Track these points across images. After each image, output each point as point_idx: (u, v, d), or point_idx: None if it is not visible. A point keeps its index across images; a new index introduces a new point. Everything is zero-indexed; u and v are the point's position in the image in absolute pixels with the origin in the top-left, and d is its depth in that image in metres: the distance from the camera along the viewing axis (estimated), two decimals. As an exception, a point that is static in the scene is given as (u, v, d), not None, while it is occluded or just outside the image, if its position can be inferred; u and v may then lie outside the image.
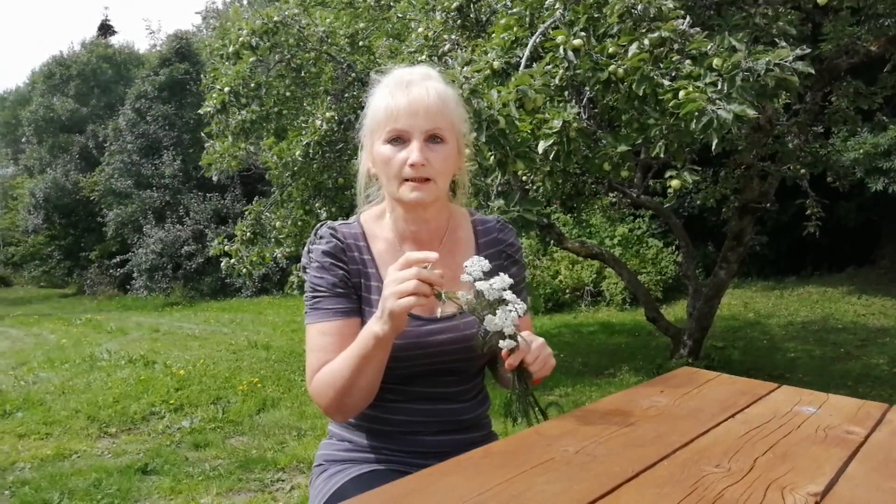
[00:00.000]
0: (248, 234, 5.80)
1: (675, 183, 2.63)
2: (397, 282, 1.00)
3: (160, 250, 14.46)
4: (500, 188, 3.01)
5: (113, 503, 3.00)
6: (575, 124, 2.49)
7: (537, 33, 2.88)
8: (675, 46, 2.48)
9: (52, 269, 19.19)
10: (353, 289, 1.19)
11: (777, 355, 5.86)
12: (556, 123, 2.48)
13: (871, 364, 5.41)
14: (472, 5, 3.73)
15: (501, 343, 1.02)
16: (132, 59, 22.25)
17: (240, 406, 4.56)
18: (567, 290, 9.25)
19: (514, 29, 3.03)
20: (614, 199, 6.38)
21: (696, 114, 2.23)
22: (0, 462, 3.58)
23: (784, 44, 2.61)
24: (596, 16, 2.75)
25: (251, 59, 4.68)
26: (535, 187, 4.11)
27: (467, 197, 1.35)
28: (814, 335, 6.61)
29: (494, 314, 1.00)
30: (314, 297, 1.19)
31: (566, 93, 2.88)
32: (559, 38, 2.63)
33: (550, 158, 2.54)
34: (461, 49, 3.51)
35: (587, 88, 2.80)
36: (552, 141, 2.48)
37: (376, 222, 1.26)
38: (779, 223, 8.93)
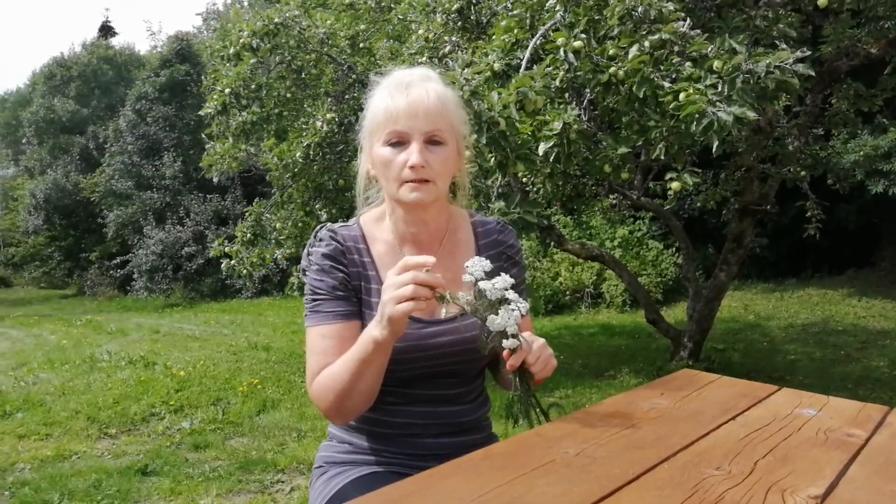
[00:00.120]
0: (249, 235, 5.80)
1: (675, 185, 2.62)
2: (395, 286, 1.00)
3: (160, 251, 14.46)
4: (500, 190, 3.02)
5: (112, 503, 3.00)
6: (575, 126, 2.49)
7: (538, 35, 2.88)
8: (676, 48, 2.48)
9: (53, 269, 19.21)
10: (352, 291, 1.19)
11: (777, 357, 5.86)
12: (557, 125, 2.48)
13: (871, 366, 5.40)
14: (472, 7, 3.73)
15: (504, 343, 1.02)
16: (133, 60, 22.27)
17: (240, 407, 4.56)
18: (567, 292, 9.25)
19: (515, 31, 3.03)
20: (614, 201, 6.38)
21: (697, 116, 2.22)
22: (0, 463, 3.58)
23: (784, 46, 2.61)
24: (596, 18, 2.75)
25: (252, 61, 4.68)
26: (535, 189, 4.12)
27: (468, 199, 1.35)
28: (814, 337, 6.60)
29: (497, 314, 1.00)
30: (314, 300, 1.19)
31: (567, 95, 2.88)
32: (560, 40, 2.63)
33: (551, 160, 2.53)
34: (462, 51, 3.51)
35: (587, 90, 2.80)
36: (552, 143, 2.48)
37: (376, 224, 1.26)
38: (779, 225, 8.93)
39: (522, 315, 1.02)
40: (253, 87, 4.84)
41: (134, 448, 3.79)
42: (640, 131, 2.71)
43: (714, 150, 2.28)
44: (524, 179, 3.92)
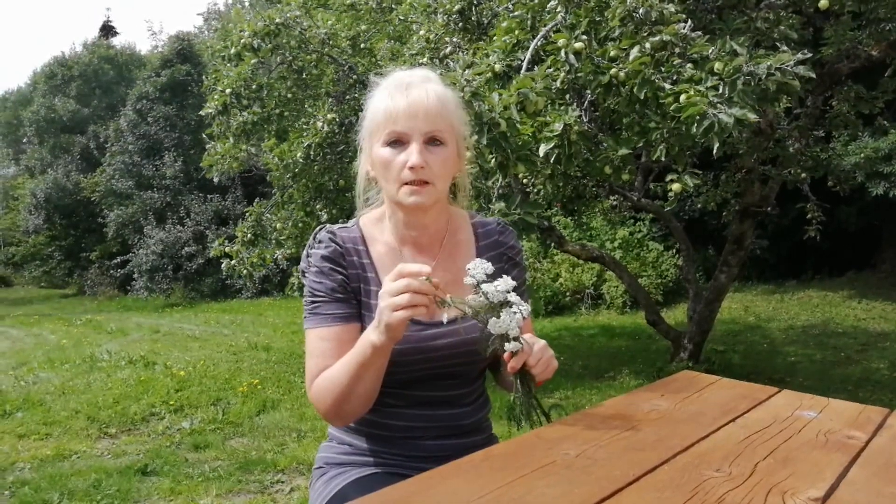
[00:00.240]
0: (249, 235, 5.80)
1: (675, 186, 2.62)
2: (391, 294, 1.00)
3: (161, 251, 14.47)
4: (500, 191, 3.02)
5: (112, 503, 3.00)
6: (576, 127, 2.49)
7: (539, 36, 2.88)
8: (677, 50, 2.48)
9: (53, 269, 19.21)
10: (352, 294, 1.19)
11: (777, 359, 5.86)
12: (558, 126, 2.48)
13: (871, 368, 5.40)
14: (473, 8, 3.73)
15: (506, 346, 1.02)
16: (134, 60, 22.28)
17: (240, 407, 4.56)
18: (567, 293, 9.25)
19: (516, 32, 3.03)
20: (615, 203, 6.38)
21: (698, 117, 2.22)
22: (0, 462, 3.58)
23: (785, 48, 2.61)
24: (597, 19, 2.75)
25: (253, 61, 4.68)
26: (535, 190, 4.12)
27: (468, 199, 1.34)
28: (814, 339, 6.60)
29: (499, 317, 1.00)
30: (313, 302, 1.18)
31: (567, 96, 2.88)
32: (560, 42, 2.63)
33: (551, 161, 2.53)
34: (463, 52, 3.51)
35: (588, 92, 2.80)
36: (553, 144, 2.48)
37: (376, 225, 1.25)
38: (779, 227, 8.93)
39: (524, 317, 1.01)
40: (254, 87, 4.85)
41: (134, 448, 3.79)
42: (641, 133, 2.72)
43: (715, 151, 2.28)
44: (525, 180, 3.92)
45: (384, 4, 5.53)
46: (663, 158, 2.67)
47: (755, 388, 1.30)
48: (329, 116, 4.97)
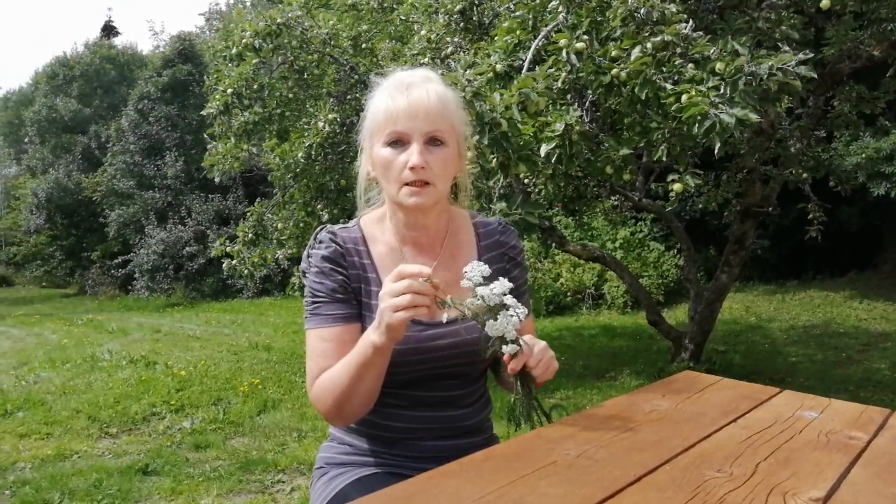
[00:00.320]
0: (250, 235, 5.80)
1: (677, 186, 2.62)
2: (391, 295, 1.00)
3: (162, 251, 14.48)
4: (502, 191, 3.01)
5: (113, 503, 3.00)
6: (577, 127, 2.49)
7: (540, 36, 2.88)
8: (678, 50, 2.48)
9: (54, 269, 19.23)
10: (352, 294, 1.19)
11: (778, 359, 5.85)
12: (559, 126, 2.48)
13: (872, 369, 5.39)
14: (474, 8, 3.73)
15: (504, 348, 1.02)
16: (135, 60, 22.30)
17: (240, 407, 4.56)
18: (568, 293, 9.25)
19: (517, 32, 3.03)
20: (616, 203, 6.38)
21: (699, 117, 2.22)
22: (1, 462, 3.58)
23: (787, 48, 2.61)
24: (599, 19, 2.75)
25: (254, 61, 4.68)
26: (537, 190, 4.11)
27: (469, 199, 1.34)
28: (815, 339, 6.59)
29: (496, 319, 1.00)
30: (314, 303, 1.18)
31: (569, 96, 2.88)
32: (562, 42, 2.63)
33: (552, 161, 2.53)
34: (464, 52, 3.51)
35: (590, 92, 2.80)
36: (554, 144, 2.48)
37: (376, 226, 1.25)
38: (781, 227, 8.93)
39: (521, 320, 1.01)
40: (255, 87, 4.85)
41: (135, 447, 3.79)
42: (642, 133, 2.72)
43: (716, 151, 2.28)
44: (526, 180, 3.92)
45: (385, 4, 5.53)
46: (664, 158, 2.67)
47: (756, 389, 1.30)
48: (330, 116, 4.97)
